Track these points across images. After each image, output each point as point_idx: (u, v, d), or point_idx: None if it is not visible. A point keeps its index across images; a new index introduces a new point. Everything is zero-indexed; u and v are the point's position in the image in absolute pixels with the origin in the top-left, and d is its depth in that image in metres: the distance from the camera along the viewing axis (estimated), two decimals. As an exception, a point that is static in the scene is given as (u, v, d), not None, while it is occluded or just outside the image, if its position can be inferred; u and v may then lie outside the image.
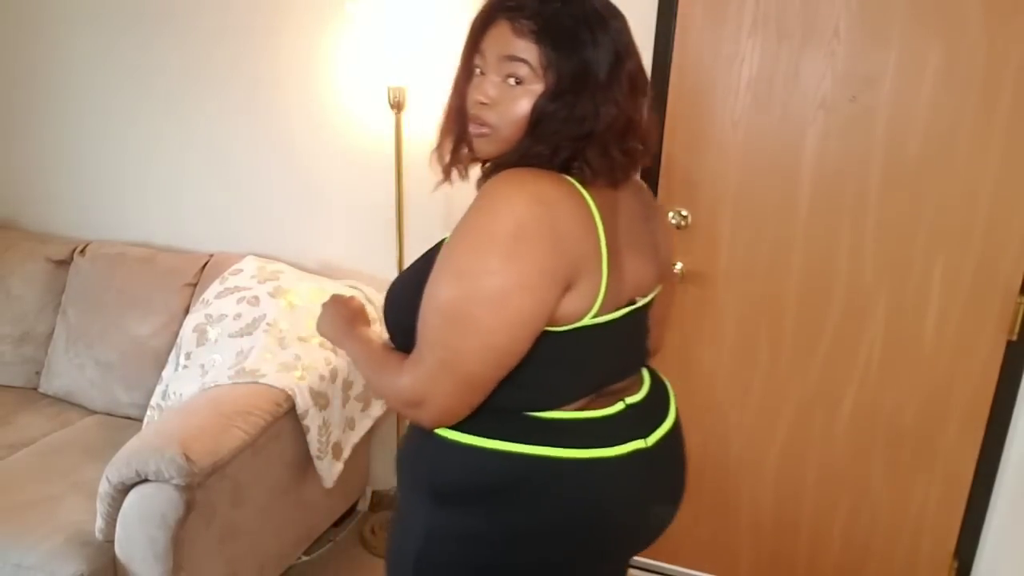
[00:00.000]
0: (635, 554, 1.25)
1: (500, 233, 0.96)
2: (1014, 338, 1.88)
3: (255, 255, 2.32)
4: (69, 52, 2.50)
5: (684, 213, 2.03)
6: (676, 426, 1.21)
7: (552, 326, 1.02)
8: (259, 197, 2.42)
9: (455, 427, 1.07)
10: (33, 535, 1.71)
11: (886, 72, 1.82)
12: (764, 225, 1.99)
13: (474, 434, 1.05)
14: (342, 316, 1.27)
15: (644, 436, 1.13)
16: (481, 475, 1.07)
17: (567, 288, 1.00)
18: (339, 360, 2.01)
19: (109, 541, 1.69)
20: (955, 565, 2.07)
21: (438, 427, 1.07)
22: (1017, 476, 1.91)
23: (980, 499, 2.00)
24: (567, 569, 1.12)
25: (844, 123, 1.87)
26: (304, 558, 2.25)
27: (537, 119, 1.02)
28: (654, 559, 2.35)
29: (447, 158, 1.12)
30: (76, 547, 1.69)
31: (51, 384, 2.38)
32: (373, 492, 2.56)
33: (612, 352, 1.12)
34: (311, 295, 2.15)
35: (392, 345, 1.14)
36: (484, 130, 1.05)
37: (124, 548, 1.65)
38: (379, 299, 2.25)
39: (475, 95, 1.05)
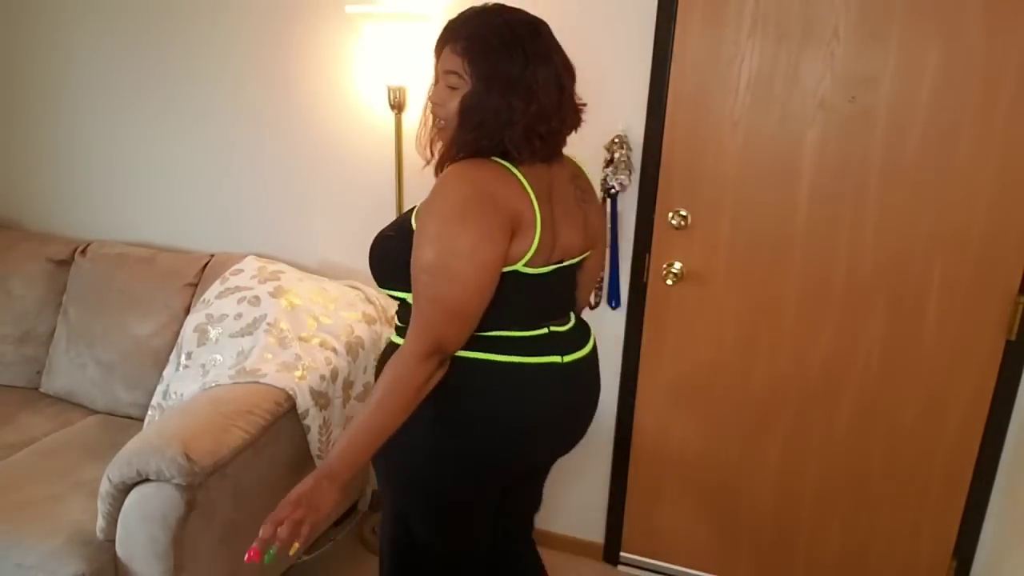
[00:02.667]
0: (549, 455, 1.58)
1: (455, 207, 1.30)
2: (1013, 338, 1.88)
3: (256, 255, 2.32)
4: (70, 52, 2.50)
5: (684, 213, 2.03)
6: (591, 355, 1.53)
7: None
8: (260, 197, 2.42)
9: None
10: (34, 535, 1.72)
11: (885, 72, 1.82)
12: (764, 225, 1.99)
13: None
14: (295, 502, 1.32)
15: (561, 355, 1.44)
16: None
17: (513, 235, 1.32)
18: (339, 360, 2.02)
19: (110, 541, 1.69)
20: (954, 564, 2.08)
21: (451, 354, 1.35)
22: (1016, 476, 1.92)
23: (979, 498, 2.00)
24: (487, 458, 1.43)
25: (843, 123, 1.88)
26: (304, 557, 2.26)
27: (463, 111, 1.34)
28: (653, 559, 2.36)
29: (426, 147, 1.46)
30: (77, 547, 1.69)
31: (52, 384, 2.38)
32: (373, 492, 2.57)
33: (542, 298, 1.43)
34: (312, 295, 2.16)
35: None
36: (441, 123, 1.40)
37: (125, 548, 1.66)
38: (380, 299, 2.26)
39: (432, 98, 1.40)
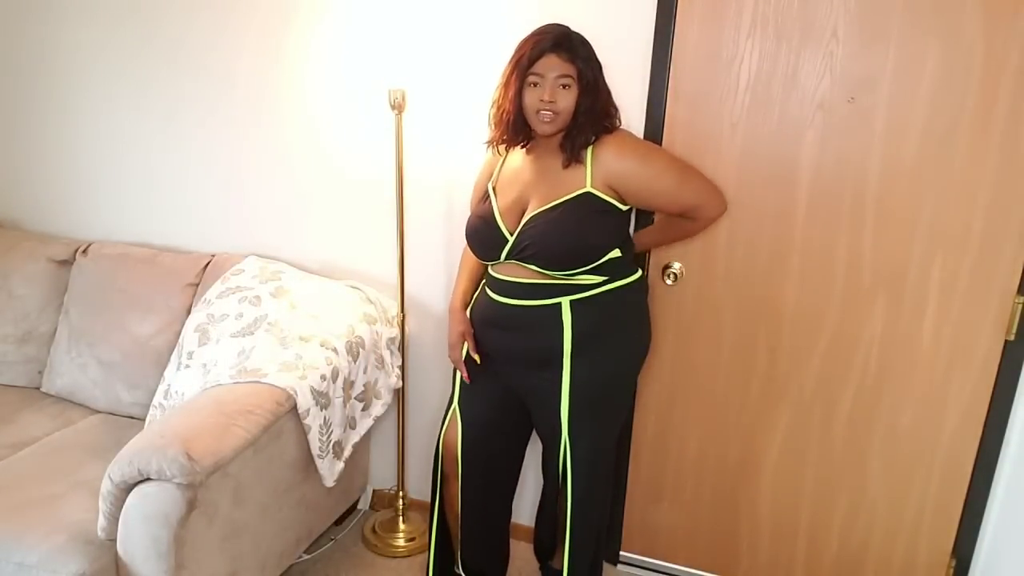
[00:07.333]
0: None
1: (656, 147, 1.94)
2: (1012, 338, 1.88)
3: (256, 255, 2.33)
4: (72, 52, 2.51)
5: (683, 213, 2.04)
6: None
7: None
8: (261, 198, 2.43)
9: None
10: (35, 534, 1.72)
11: (884, 73, 1.83)
12: (762, 226, 2.00)
13: None
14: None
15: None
16: None
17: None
18: (340, 360, 2.02)
19: (111, 540, 1.70)
20: (953, 564, 2.08)
21: None
22: (1015, 475, 1.92)
23: (978, 498, 2.01)
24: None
25: (842, 124, 1.88)
26: (305, 556, 2.27)
27: (580, 108, 1.68)
28: (653, 558, 2.36)
29: (506, 141, 1.79)
30: (78, 546, 1.70)
31: (53, 383, 2.39)
32: (374, 491, 2.58)
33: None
34: (312, 295, 2.16)
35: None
36: (550, 116, 1.67)
37: (126, 547, 1.66)
38: (380, 299, 2.27)
39: (539, 97, 1.67)
